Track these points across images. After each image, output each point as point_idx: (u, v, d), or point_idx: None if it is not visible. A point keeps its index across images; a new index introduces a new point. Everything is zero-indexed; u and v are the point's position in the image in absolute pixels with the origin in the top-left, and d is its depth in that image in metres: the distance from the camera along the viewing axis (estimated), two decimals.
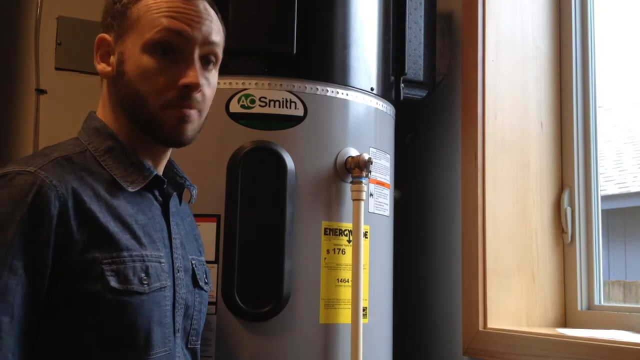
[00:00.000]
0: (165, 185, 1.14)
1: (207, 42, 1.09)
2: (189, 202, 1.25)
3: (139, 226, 1.05)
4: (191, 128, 1.08)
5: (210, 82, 1.11)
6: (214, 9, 1.14)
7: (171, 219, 1.14)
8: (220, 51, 1.13)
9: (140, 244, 1.04)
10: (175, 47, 1.07)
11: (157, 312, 1.04)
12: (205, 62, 1.10)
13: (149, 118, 1.07)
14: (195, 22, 1.08)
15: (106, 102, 1.12)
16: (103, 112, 1.12)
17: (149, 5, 1.07)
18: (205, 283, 1.22)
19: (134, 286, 1.00)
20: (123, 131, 1.10)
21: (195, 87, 1.06)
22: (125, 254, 1.01)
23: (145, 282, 1.02)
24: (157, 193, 1.13)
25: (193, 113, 1.08)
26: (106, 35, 1.10)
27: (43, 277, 0.95)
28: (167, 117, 1.06)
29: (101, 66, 1.11)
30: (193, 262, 1.19)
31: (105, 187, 1.04)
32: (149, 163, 1.11)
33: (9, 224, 0.93)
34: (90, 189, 1.01)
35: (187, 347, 1.15)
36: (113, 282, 0.98)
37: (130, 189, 1.07)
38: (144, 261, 1.03)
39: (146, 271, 1.03)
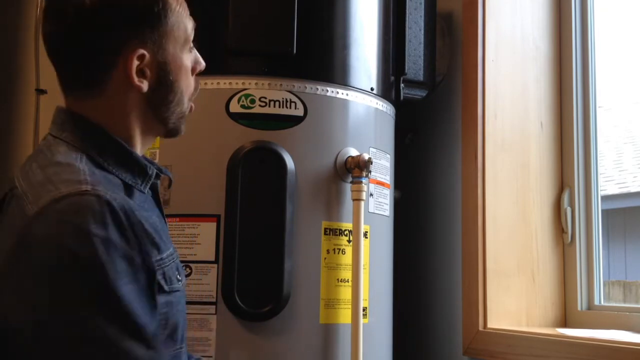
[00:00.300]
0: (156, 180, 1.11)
1: None
2: (169, 186, 1.21)
3: (157, 225, 1.03)
4: None
5: None
6: None
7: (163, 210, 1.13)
8: None
9: (164, 242, 1.02)
10: None
11: (185, 305, 1.07)
12: None
13: (182, 115, 1.07)
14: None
15: (114, 111, 1.03)
16: (100, 118, 1.03)
17: (175, 8, 1.04)
18: None
19: (175, 285, 1.01)
20: (126, 131, 1.04)
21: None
22: (163, 255, 1.00)
23: (179, 279, 1.03)
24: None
25: None
26: (144, 51, 0.99)
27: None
28: (188, 109, 1.09)
29: (143, 85, 1.01)
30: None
31: (124, 192, 0.99)
32: (144, 161, 1.08)
33: (107, 252, 0.85)
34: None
35: None
36: (165, 285, 0.98)
37: (144, 190, 1.04)
38: (173, 259, 1.03)
39: (177, 268, 1.04)
